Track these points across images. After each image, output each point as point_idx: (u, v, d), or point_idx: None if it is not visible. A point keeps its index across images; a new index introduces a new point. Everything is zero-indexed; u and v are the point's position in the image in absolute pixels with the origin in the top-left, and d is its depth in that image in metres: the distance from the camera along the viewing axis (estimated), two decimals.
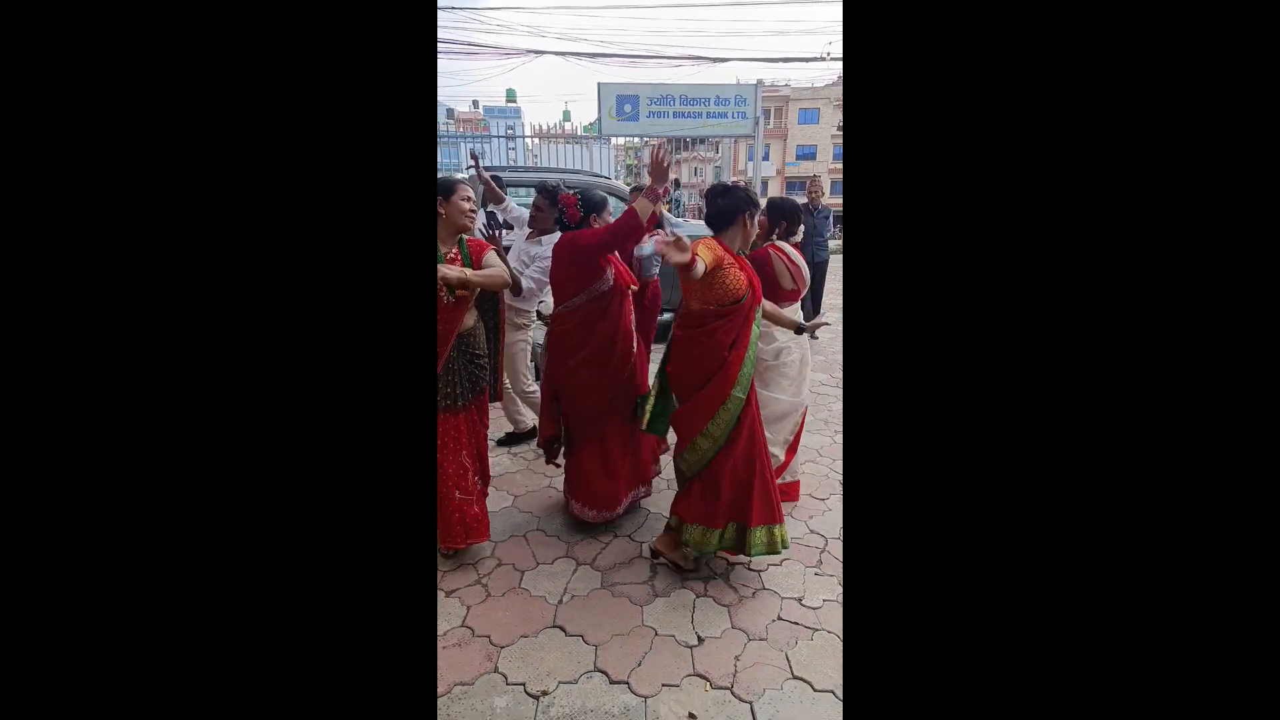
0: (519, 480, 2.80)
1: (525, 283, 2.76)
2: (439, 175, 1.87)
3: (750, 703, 1.56)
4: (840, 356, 4.87)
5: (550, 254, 2.35)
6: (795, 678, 1.64)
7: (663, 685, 1.61)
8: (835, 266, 7.53)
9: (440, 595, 1.97)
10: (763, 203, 2.21)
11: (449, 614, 1.88)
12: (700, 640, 1.78)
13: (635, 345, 2.33)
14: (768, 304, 2.13)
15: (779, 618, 1.89)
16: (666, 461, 2.72)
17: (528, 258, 2.87)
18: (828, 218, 5.64)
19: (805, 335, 2.38)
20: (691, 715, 1.52)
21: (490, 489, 2.71)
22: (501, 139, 10.45)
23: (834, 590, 2.03)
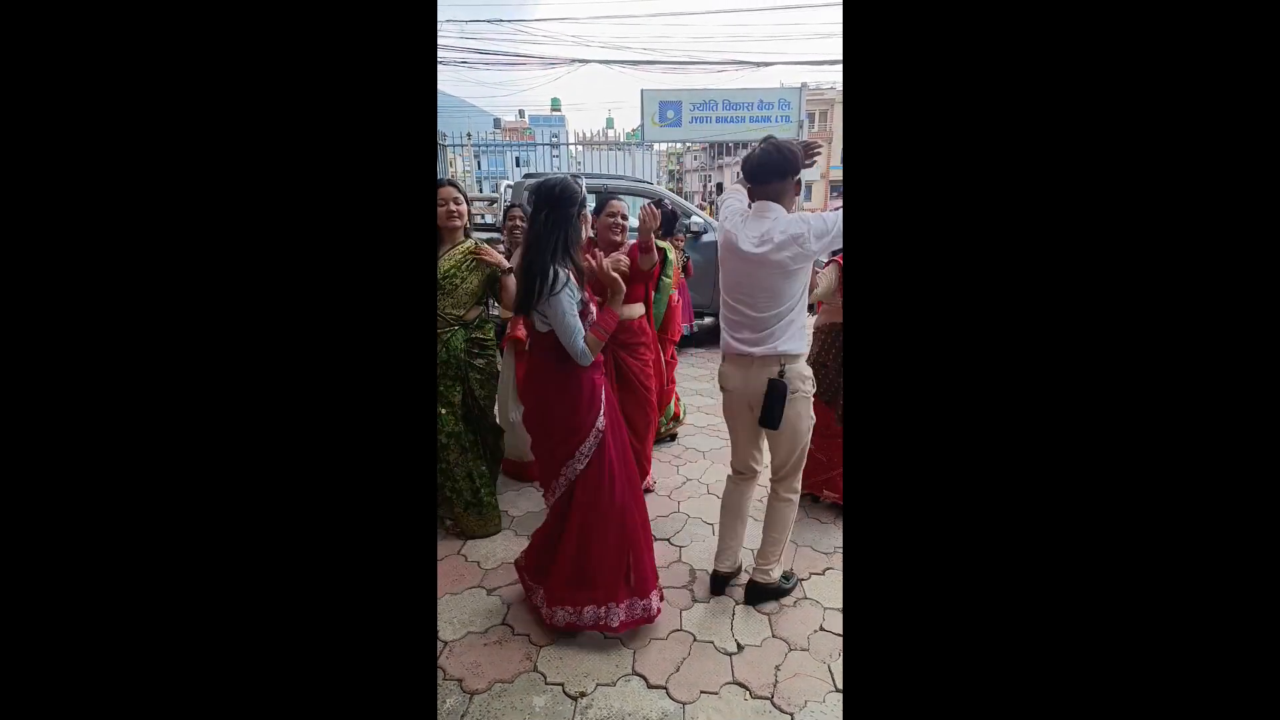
0: None
1: None
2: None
3: (791, 714, 1.53)
4: None
5: None
6: (838, 690, 1.60)
7: (701, 692, 1.59)
8: None
9: (481, 593, 2.00)
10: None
11: (490, 611, 1.91)
12: (740, 648, 1.76)
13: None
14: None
15: (821, 628, 1.84)
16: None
17: None
18: None
19: None
20: None
21: (526, 487, 2.75)
22: (546, 147, 10.63)
23: None
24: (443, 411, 2.20)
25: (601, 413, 1.72)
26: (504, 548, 2.28)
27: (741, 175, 1.83)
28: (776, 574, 1.95)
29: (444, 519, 2.37)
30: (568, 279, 1.60)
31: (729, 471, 2.01)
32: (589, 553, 1.73)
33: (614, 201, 2.39)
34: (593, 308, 1.71)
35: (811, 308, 1.94)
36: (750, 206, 1.78)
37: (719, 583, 2.01)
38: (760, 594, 1.94)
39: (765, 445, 1.93)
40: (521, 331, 2.62)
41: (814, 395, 1.86)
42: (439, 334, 2.18)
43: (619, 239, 2.35)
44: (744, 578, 2.04)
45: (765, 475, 1.97)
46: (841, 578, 2.08)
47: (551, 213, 1.63)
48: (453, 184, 2.18)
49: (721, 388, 1.89)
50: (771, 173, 1.72)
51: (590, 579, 1.72)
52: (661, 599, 1.83)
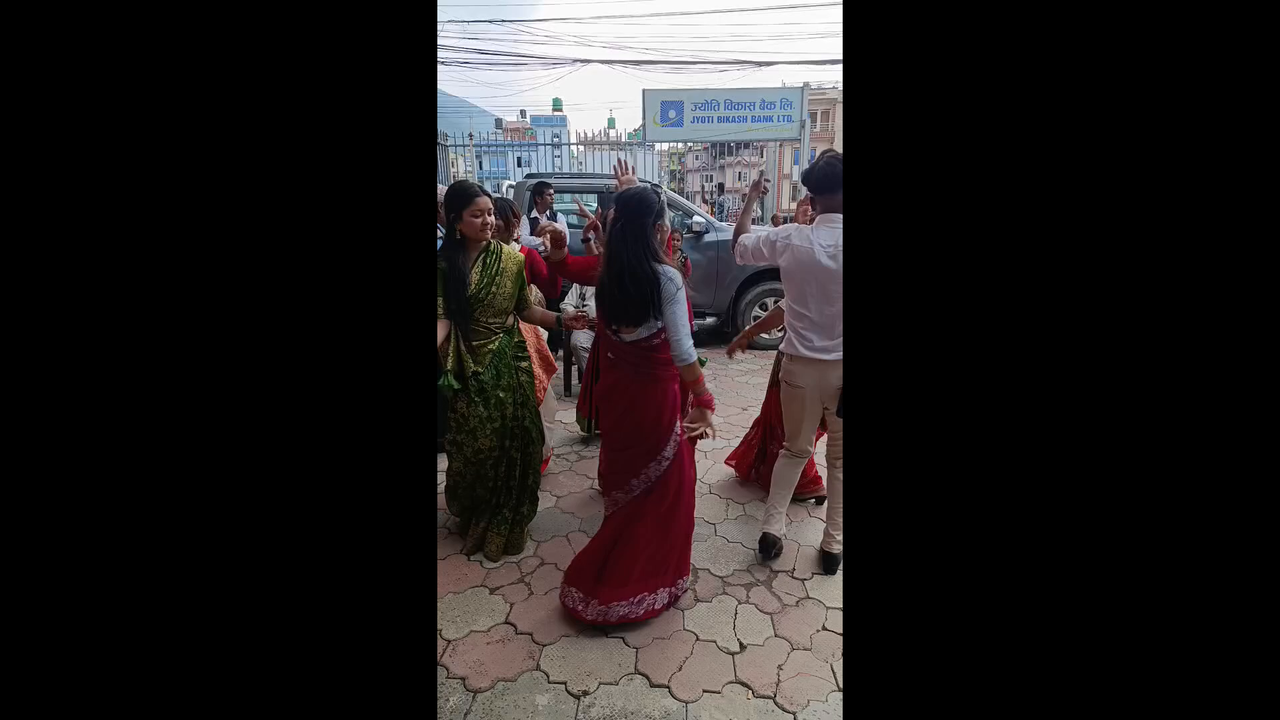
0: (562, 482, 2.83)
1: None
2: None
3: (794, 713, 1.53)
4: None
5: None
6: (841, 690, 1.60)
7: (704, 691, 1.59)
8: None
9: (484, 592, 2.01)
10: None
11: (493, 610, 1.91)
12: (742, 647, 1.76)
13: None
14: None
15: (824, 628, 1.85)
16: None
17: None
18: None
19: None
20: None
21: None
22: (548, 147, 10.66)
23: None
24: (495, 424, 2.11)
25: (679, 418, 1.84)
26: None
27: (803, 186, 2.02)
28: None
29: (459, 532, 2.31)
30: (680, 285, 1.69)
31: (785, 457, 2.18)
32: (667, 542, 1.87)
33: None
34: None
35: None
36: (813, 218, 1.99)
37: (769, 546, 2.17)
38: (837, 563, 2.11)
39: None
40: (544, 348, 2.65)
41: None
42: (483, 345, 2.08)
43: None
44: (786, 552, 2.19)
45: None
46: (842, 577, 2.08)
47: (628, 225, 1.71)
48: (485, 192, 2.07)
49: (789, 384, 2.04)
50: (835, 184, 1.87)
51: (659, 567, 1.86)
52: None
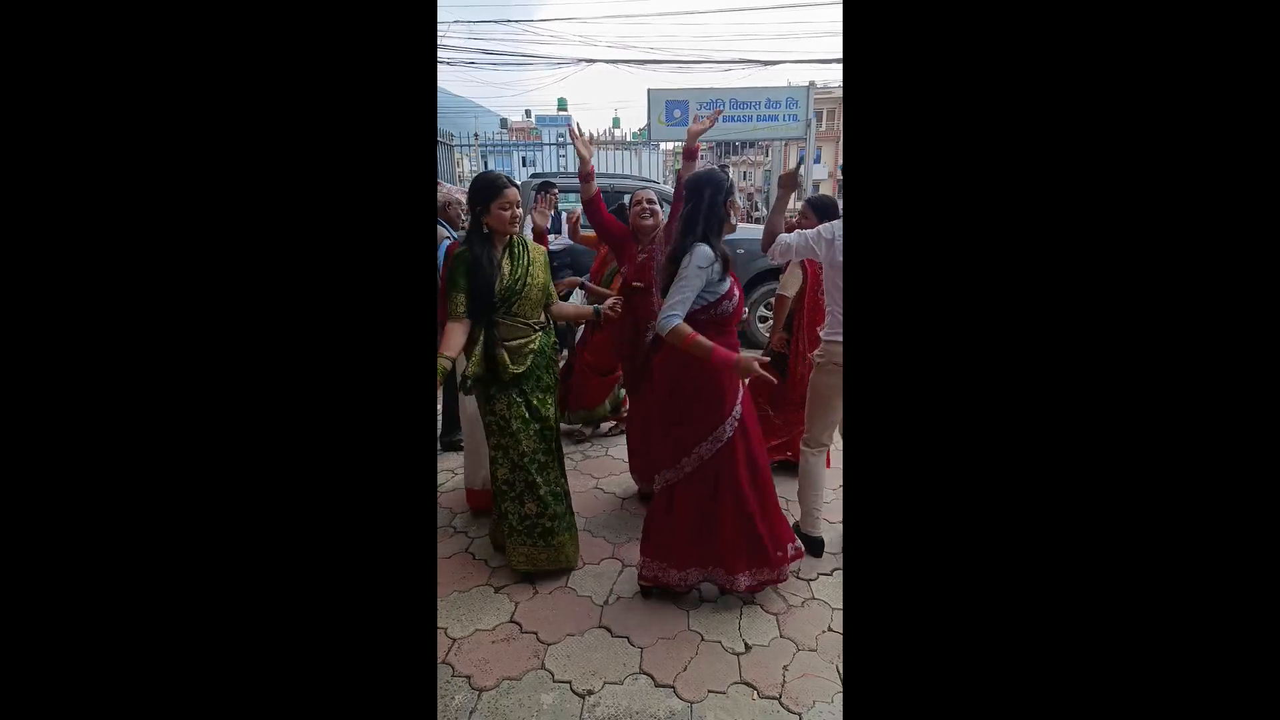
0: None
1: None
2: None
3: (799, 714, 1.52)
4: None
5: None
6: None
7: (709, 691, 1.59)
8: None
9: (489, 591, 2.01)
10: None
11: (498, 609, 1.92)
12: (748, 648, 1.75)
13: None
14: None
15: (829, 629, 1.84)
16: None
17: None
18: None
19: None
20: None
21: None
22: (553, 146, 10.66)
23: None
24: (537, 427, 2.00)
25: (739, 396, 1.83)
26: None
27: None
28: None
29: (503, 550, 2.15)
30: (710, 264, 1.70)
31: (811, 449, 2.20)
32: (768, 516, 1.91)
33: (640, 192, 2.44)
34: (736, 292, 1.80)
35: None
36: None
37: (818, 546, 2.22)
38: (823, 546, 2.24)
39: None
40: None
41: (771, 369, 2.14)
42: (524, 345, 1.96)
43: (651, 222, 2.39)
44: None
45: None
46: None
47: (696, 204, 1.77)
48: (513, 183, 1.98)
49: (837, 364, 2.05)
50: None
51: (775, 542, 1.92)
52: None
